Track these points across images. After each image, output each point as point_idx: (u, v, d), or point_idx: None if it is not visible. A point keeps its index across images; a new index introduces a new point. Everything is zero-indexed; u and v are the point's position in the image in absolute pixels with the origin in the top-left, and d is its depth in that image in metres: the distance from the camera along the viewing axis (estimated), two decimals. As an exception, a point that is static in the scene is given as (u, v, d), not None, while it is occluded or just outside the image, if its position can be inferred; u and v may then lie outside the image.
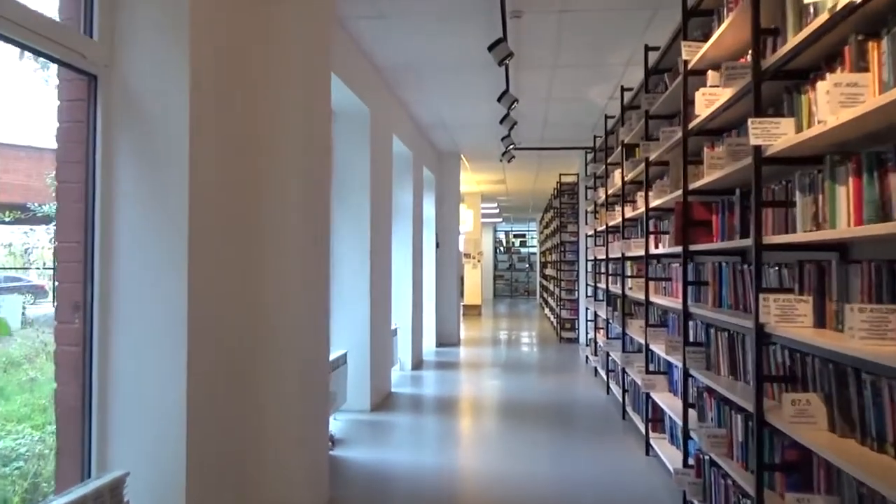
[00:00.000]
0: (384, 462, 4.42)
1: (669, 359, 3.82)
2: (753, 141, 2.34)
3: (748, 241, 2.69)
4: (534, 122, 8.02)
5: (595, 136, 7.87)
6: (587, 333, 8.53)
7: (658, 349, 4.20)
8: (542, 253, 18.08)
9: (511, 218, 24.24)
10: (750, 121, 2.34)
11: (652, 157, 4.38)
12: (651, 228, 4.59)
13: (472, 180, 13.47)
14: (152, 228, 2.61)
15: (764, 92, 2.49)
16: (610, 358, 6.43)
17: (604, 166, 6.73)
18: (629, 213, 5.41)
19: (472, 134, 8.88)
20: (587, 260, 8.53)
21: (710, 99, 3.09)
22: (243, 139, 3.23)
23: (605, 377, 6.69)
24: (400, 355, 7.79)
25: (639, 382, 4.73)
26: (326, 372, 4.03)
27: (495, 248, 25.18)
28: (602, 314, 6.96)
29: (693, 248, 3.41)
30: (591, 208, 8.20)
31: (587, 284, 8.55)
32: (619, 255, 5.71)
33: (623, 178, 5.48)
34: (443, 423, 5.51)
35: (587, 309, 8.34)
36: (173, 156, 2.61)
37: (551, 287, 13.87)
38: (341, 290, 5.64)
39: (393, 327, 7.53)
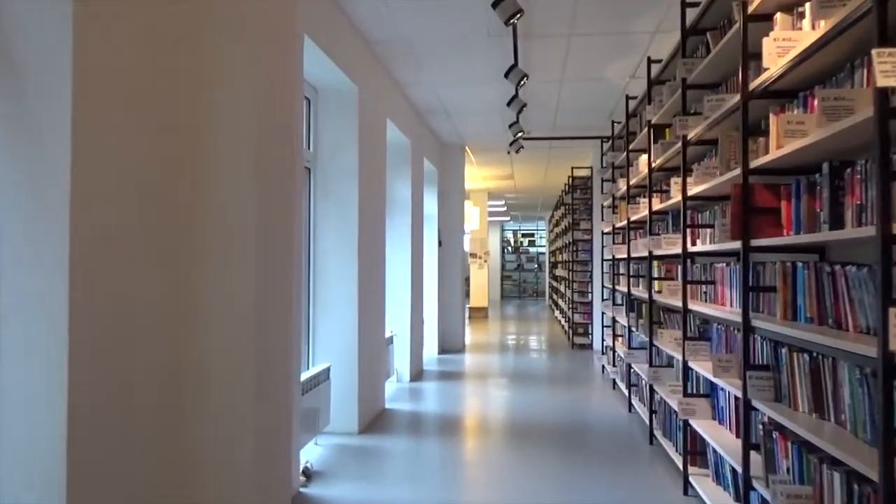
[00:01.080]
0: (368, 501, 3.68)
1: (719, 382, 3.06)
2: (881, 81, 1.58)
3: (848, 233, 1.93)
4: (544, 108, 7.26)
5: (613, 122, 7.10)
6: (603, 340, 7.77)
7: (700, 368, 3.45)
8: (552, 253, 17.30)
9: (519, 216, 23.47)
10: (875, 52, 1.59)
11: (691, 134, 3.62)
12: (688, 221, 3.83)
13: (477, 176, 12.72)
14: (24, 218, 1.89)
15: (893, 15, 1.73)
16: (632, 371, 5.67)
17: (625, 154, 5.97)
18: (658, 206, 4.64)
19: (476, 122, 8.13)
20: (603, 260, 7.77)
21: (783, 46, 2.34)
22: (171, 108, 2.50)
23: (626, 392, 5.94)
24: (397, 365, 7.05)
25: (672, 406, 3.97)
26: (292, 391, 3.30)
27: (503, 248, 24.42)
28: (622, 320, 6.20)
29: (756, 242, 2.65)
30: (607, 203, 7.44)
31: (603, 287, 7.79)
32: (645, 254, 4.95)
33: (650, 164, 4.72)
34: (441, 448, 4.77)
35: (603, 314, 7.59)
36: (51, 124, 1.89)
37: (562, 289, 13.09)
38: (325, 295, 4.91)
39: (388, 335, 6.80)
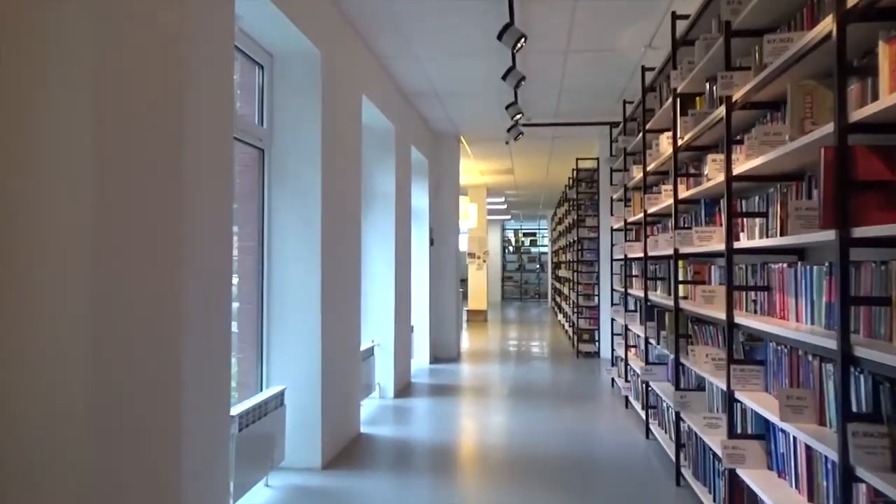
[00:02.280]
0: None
1: (790, 428, 2.21)
2: None
3: None
4: (546, 88, 6.41)
5: (625, 103, 6.24)
6: (612, 350, 6.92)
7: (752, 401, 2.60)
8: (555, 252, 16.44)
9: (520, 215, 22.62)
10: None
11: (738, 95, 2.78)
12: (733, 209, 2.98)
13: (475, 170, 11.87)
14: None
15: None
16: (650, 390, 4.82)
17: (640, 136, 5.12)
18: (685, 193, 3.79)
19: (470, 106, 7.28)
20: (612, 260, 6.92)
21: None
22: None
23: (641, 413, 5.09)
24: (379, 379, 6.21)
25: (713, 446, 3.12)
26: (215, 424, 2.47)
27: (504, 248, 23.57)
28: (636, 329, 5.34)
29: (863, 232, 1.80)
30: (618, 195, 6.58)
31: (612, 290, 6.94)
32: (668, 252, 4.10)
33: (675, 142, 3.87)
34: (423, 489, 3.92)
35: (612, 320, 6.74)
36: None
37: (565, 291, 12.24)
38: (281, 303, 4.06)
39: (370, 345, 5.96)
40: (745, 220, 3.00)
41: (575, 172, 9.89)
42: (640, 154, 5.52)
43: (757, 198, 2.87)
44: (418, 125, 7.70)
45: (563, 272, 13.06)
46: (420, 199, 8.29)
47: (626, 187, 5.88)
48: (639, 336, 5.61)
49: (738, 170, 2.79)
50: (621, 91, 6.43)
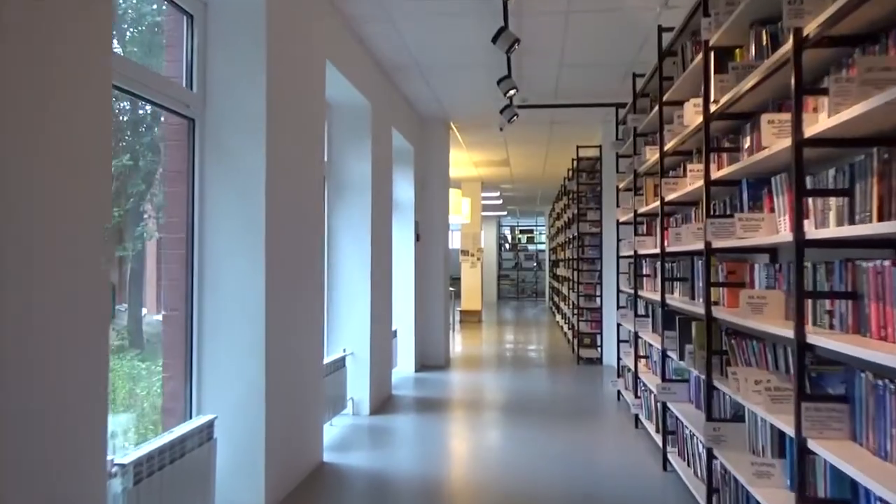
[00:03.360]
0: None
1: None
2: None
3: None
4: (544, 60, 5.62)
5: (635, 76, 5.45)
6: (618, 358, 6.14)
7: (837, 457, 1.82)
8: (553, 250, 15.67)
9: (517, 211, 21.84)
10: None
11: (811, 27, 1.99)
12: (804, 187, 2.19)
13: (467, 162, 11.09)
14: None
15: None
16: (668, 412, 4.05)
17: (655, 110, 4.33)
18: (721, 172, 3.00)
19: (458, 84, 6.49)
20: (619, 257, 6.14)
21: None
22: None
23: (656, 438, 4.31)
24: (353, 394, 5.42)
25: (763, 502, 2.34)
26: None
27: (500, 245, 22.79)
28: (649, 338, 4.57)
29: None
30: (625, 184, 5.80)
31: (618, 291, 6.15)
32: (697, 247, 3.32)
33: (707, 109, 3.08)
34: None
35: (619, 325, 5.97)
36: None
37: (564, 290, 11.47)
38: (215, 312, 3.27)
39: (340, 355, 5.18)
40: (812, 202, 2.21)
41: (575, 163, 9.11)
42: (653, 134, 4.74)
43: (832, 172, 2.08)
44: (401, 107, 6.90)
45: (561, 271, 12.28)
46: (404, 191, 7.50)
47: (637, 173, 5.10)
48: (651, 345, 4.83)
49: (814, 131, 2.00)
50: (629, 64, 5.65)
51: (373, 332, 5.54)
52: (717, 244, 2.97)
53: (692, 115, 3.35)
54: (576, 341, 8.81)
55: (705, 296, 3.10)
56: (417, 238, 7.65)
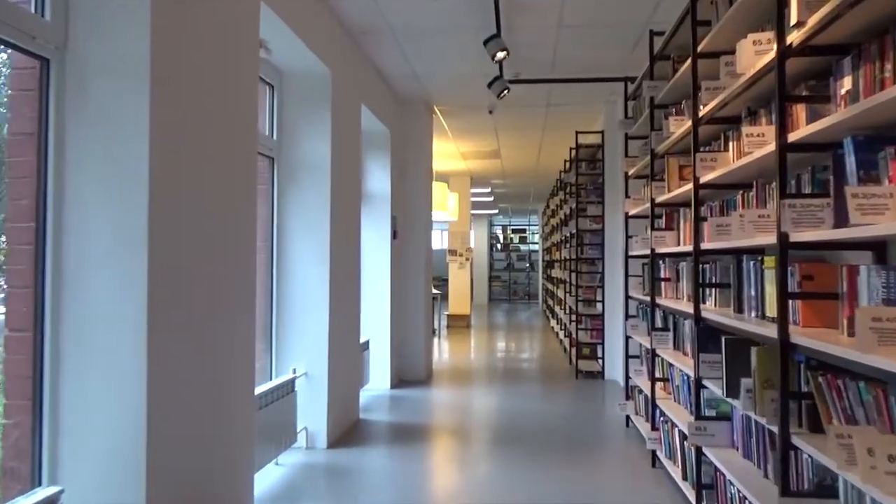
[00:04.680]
0: None
1: None
2: None
3: None
4: (541, 23, 4.68)
5: (653, 34, 4.49)
6: (627, 377, 5.19)
7: None
8: (547, 250, 14.73)
9: (509, 209, 20.90)
10: None
11: None
12: None
13: (454, 153, 10.13)
14: None
15: None
16: (704, 458, 3.10)
17: (687, 65, 3.38)
18: (807, 130, 2.05)
19: (439, 55, 5.53)
20: (627, 256, 5.20)
21: None
22: None
23: (684, 488, 3.37)
24: (306, 424, 4.45)
25: None
26: None
27: (491, 245, 21.84)
28: (670, 357, 3.64)
29: None
30: (635, 170, 4.86)
31: (627, 296, 5.21)
32: (753, 243, 2.37)
33: (781, 43, 2.12)
34: None
35: (628, 338, 5.02)
36: None
37: (560, 294, 10.53)
38: (78, 335, 2.30)
39: (289, 377, 4.21)
40: None
41: (573, 152, 8.17)
42: (675, 105, 3.80)
43: None
44: (373, 82, 5.94)
45: (556, 272, 11.34)
46: (379, 180, 6.54)
47: (654, 154, 4.15)
48: (672, 366, 3.89)
49: None
50: (643, 25, 4.70)
51: (332, 346, 4.56)
52: (800, 237, 2.02)
53: (750, 56, 2.39)
54: (573, 350, 7.87)
55: (780, 312, 2.14)
56: (394, 235, 6.68)
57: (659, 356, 4.10)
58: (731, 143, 3.00)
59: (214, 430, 2.81)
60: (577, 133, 7.45)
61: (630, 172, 5.06)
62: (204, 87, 2.70)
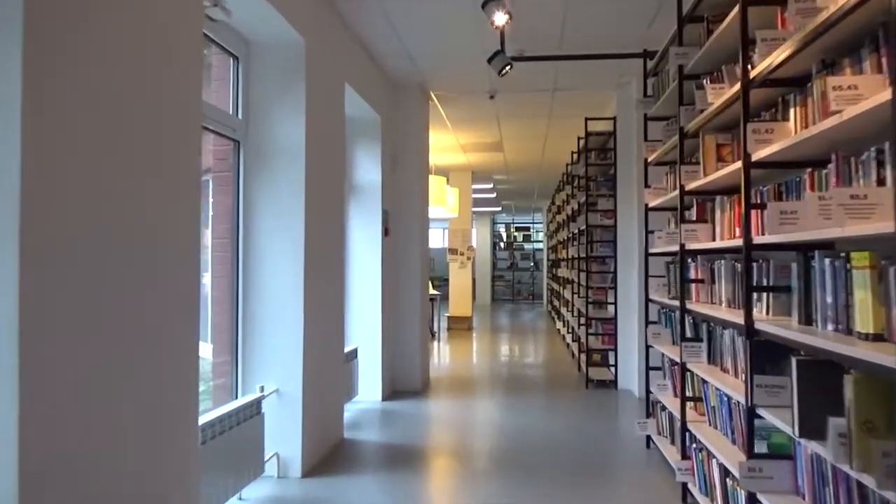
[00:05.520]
0: None
1: None
2: None
3: None
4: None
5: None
6: (647, 391, 4.56)
7: None
8: (552, 248, 14.10)
9: (512, 207, 20.28)
10: None
11: None
12: None
13: (454, 145, 9.51)
14: None
15: None
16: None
17: (732, 17, 2.75)
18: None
19: (432, 28, 4.91)
20: (647, 254, 4.57)
21: None
22: None
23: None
24: (278, 449, 3.83)
25: None
26: None
27: (494, 244, 21.21)
28: (704, 373, 3.02)
29: None
30: (655, 156, 4.25)
31: (647, 300, 4.57)
32: (826, 238, 1.74)
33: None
34: None
35: (649, 347, 4.40)
36: None
37: (566, 294, 9.90)
38: None
39: (255, 396, 3.60)
40: None
41: (581, 142, 7.55)
42: (713, 73, 3.17)
43: None
44: (359, 59, 5.32)
45: (563, 271, 10.72)
46: (368, 171, 5.92)
47: (684, 133, 3.53)
48: (706, 382, 3.27)
49: None
50: (667, -13, 4.08)
51: (309, 358, 3.94)
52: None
53: (840, -18, 1.76)
54: (582, 356, 7.25)
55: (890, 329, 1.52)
56: (386, 232, 6.07)
57: (690, 371, 3.47)
58: (791, 111, 2.38)
59: (136, 468, 2.19)
60: (586, 120, 6.82)
61: (650, 159, 4.44)
62: (103, 29, 2.08)
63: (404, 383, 6.36)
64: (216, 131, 3.57)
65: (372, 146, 5.94)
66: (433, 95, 6.85)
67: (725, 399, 3.04)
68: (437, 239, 19.67)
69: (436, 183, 8.68)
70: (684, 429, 3.48)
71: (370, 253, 5.87)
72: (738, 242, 2.74)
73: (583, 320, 7.24)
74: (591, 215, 6.84)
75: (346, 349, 5.33)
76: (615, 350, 6.58)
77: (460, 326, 12.30)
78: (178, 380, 2.46)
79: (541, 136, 8.92)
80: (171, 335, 2.40)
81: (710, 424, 3.30)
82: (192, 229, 2.56)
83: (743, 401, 2.52)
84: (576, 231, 8.26)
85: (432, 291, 10.39)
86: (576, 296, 8.17)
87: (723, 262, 3.17)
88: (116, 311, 2.07)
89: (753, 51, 2.44)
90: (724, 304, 3.14)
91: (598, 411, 5.64)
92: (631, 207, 6.31)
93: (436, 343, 10.24)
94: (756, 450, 2.50)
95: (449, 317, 12.40)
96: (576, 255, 8.15)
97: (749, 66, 2.51)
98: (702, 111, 3.23)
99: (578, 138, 7.70)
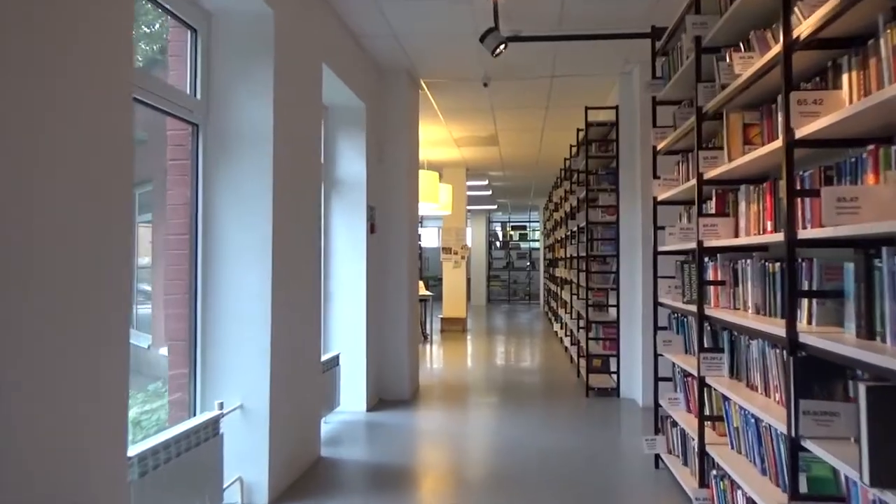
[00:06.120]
0: None
1: None
2: None
3: None
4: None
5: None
6: (656, 403, 4.12)
7: None
8: (549, 247, 13.67)
9: (508, 205, 19.86)
10: None
11: None
12: None
13: (447, 139, 9.07)
14: None
15: None
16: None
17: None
18: None
19: (419, 8, 4.47)
20: (656, 253, 4.13)
21: None
22: None
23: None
24: (242, 472, 3.39)
25: None
26: None
27: (490, 243, 20.78)
28: (726, 389, 2.59)
29: None
30: (666, 144, 3.82)
31: (657, 303, 4.13)
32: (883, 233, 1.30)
33: None
34: None
35: (658, 355, 3.97)
36: None
37: (564, 296, 9.46)
38: None
39: (212, 415, 3.15)
40: None
41: (580, 134, 7.12)
42: (736, 46, 2.74)
43: None
44: (339, 38, 4.88)
45: (561, 271, 10.29)
46: (352, 163, 5.49)
47: (703, 114, 3.09)
48: (727, 399, 2.84)
49: None
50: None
51: (278, 369, 3.50)
52: None
53: None
54: (582, 361, 6.82)
55: None
56: (372, 229, 5.63)
57: (710, 386, 3.05)
58: (845, 77, 1.95)
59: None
60: (586, 109, 6.38)
61: (660, 147, 4.01)
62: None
63: (391, 392, 5.92)
64: (170, 112, 3.13)
65: (356, 136, 5.49)
66: (423, 84, 6.42)
67: (752, 421, 2.62)
68: (432, 238, 19.25)
69: (427, 178, 8.26)
70: (702, 452, 3.05)
71: (354, 251, 5.43)
72: (770, 238, 2.31)
73: (582, 323, 6.81)
74: (591, 211, 6.41)
75: (326, 357, 4.89)
76: (617, 356, 6.15)
77: (454, 328, 11.87)
78: (100, 402, 2.02)
79: (537, 128, 8.49)
80: (83, 346, 1.96)
81: (733, 448, 2.88)
82: (119, 222, 2.11)
83: (782, 428, 2.09)
84: (575, 229, 7.83)
85: (424, 292, 9.96)
86: (575, 297, 7.73)
87: (749, 261, 2.74)
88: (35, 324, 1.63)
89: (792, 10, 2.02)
90: (750, 311, 2.71)
91: (601, 424, 5.21)
92: (634, 202, 5.88)
93: (428, 346, 9.81)
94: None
95: (442, 318, 11.97)
96: (575, 255, 7.72)
97: (789, 28, 2.08)
98: (723, 88, 2.80)
99: (578, 130, 7.27)
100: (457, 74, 6.12)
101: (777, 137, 2.34)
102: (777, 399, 2.39)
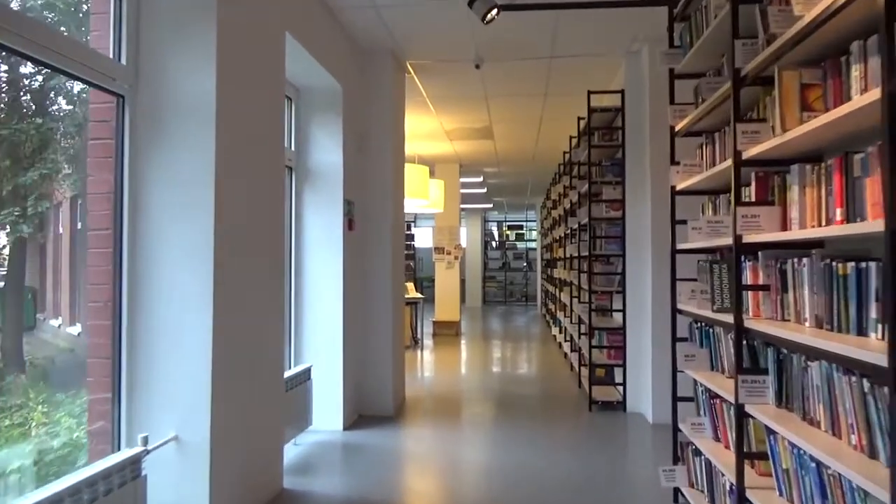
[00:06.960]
0: None
1: None
2: None
3: None
4: None
5: None
6: (674, 426, 3.53)
7: None
8: (547, 247, 13.07)
9: (504, 204, 19.27)
10: None
11: None
12: None
13: (438, 131, 8.48)
14: None
15: None
16: None
17: None
18: None
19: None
20: (674, 252, 3.54)
21: None
22: None
23: None
24: (176, 518, 2.79)
25: None
26: None
27: (485, 243, 20.17)
28: (771, 422, 2.00)
29: None
30: (686, 123, 3.24)
31: (675, 311, 3.53)
32: None
33: None
34: None
35: (677, 373, 3.38)
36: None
37: (564, 298, 8.87)
38: None
39: (141, 448, 2.55)
40: None
41: (582, 123, 6.54)
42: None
43: None
44: (310, 7, 4.28)
45: (559, 272, 9.69)
46: (327, 152, 4.89)
47: (741, 78, 2.50)
48: (772, 433, 2.25)
49: None
50: None
51: (222, 391, 2.90)
52: None
53: None
54: (584, 371, 6.24)
55: None
56: (350, 226, 5.03)
57: (751, 417, 2.46)
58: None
59: None
60: (589, 94, 5.79)
61: (679, 127, 3.42)
62: None
63: (373, 407, 5.32)
64: (85, 79, 2.54)
65: (332, 122, 4.90)
66: (410, 67, 5.82)
67: (812, 465, 2.03)
68: (425, 237, 18.64)
69: (416, 172, 7.67)
70: (742, 497, 2.46)
71: (329, 250, 4.84)
72: (846, 230, 1.73)
73: (584, 329, 6.22)
74: (594, 207, 5.82)
75: (294, 370, 4.30)
76: (623, 366, 5.56)
77: (447, 332, 11.27)
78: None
79: (535, 117, 7.90)
80: None
81: (782, 495, 2.29)
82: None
83: (869, 488, 1.50)
84: (575, 226, 7.24)
85: (412, 295, 9.37)
86: (575, 300, 7.14)
87: (805, 260, 2.16)
88: None
89: None
90: (808, 323, 2.13)
91: (608, 444, 4.61)
92: (643, 196, 5.30)
93: (418, 352, 9.21)
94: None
95: (435, 322, 11.37)
96: (575, 254, 7.12)
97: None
98: (769, 43, 2.22)
99: (579, 119, 6.69)
100: (446, 55, 5.53)
101: (847, 99, 1.76)
102: (854, 444, 1.81)
